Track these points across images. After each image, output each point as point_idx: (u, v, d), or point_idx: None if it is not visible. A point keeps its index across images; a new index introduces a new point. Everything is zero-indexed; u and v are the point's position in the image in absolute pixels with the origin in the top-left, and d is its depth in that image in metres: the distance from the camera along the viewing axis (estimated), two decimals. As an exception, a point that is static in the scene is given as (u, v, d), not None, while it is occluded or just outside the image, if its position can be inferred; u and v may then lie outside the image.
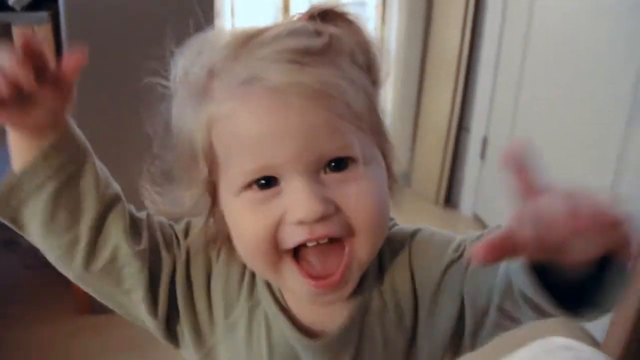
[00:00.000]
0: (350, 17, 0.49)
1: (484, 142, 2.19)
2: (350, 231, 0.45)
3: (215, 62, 0.46)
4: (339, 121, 0.43)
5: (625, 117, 1.28)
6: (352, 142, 0.44)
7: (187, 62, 0.48)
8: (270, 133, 0.43)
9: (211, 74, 0.46)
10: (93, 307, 1.50)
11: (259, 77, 0.42)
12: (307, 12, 0.48)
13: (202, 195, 0.50)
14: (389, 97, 2.56)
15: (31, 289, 1.69)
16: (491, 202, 2.17)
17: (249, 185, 0.45)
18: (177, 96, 0.49)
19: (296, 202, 0.43)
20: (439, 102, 2.36)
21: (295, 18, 0.48)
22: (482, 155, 2.20)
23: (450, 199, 2.41)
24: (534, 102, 1.85)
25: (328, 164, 0.44)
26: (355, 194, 0.44)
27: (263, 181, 0.44)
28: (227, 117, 0.44)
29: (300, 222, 0.43)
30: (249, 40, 0.44)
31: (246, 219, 0.46)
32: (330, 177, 0.44)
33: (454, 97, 2.26)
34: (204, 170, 0.48)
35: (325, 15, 0.47)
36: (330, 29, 0.46)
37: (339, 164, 0.44)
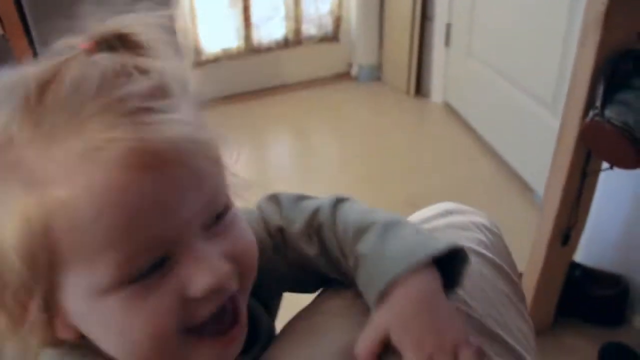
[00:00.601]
0: (146, 43, 0.37)
1: (448, 29, 2.26)
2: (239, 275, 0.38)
3: (10, 123, 0.32)
4: (218, 166, 0.37)
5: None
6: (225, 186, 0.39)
7: None
8: (155, 202, 0.32)
9: (9, 140, 0.32)
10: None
11: (115, 139, 0.31)
12: (93, 37, 0.35)
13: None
14: (353, -6, 2.57)
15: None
16: (458, 87, 2.29)
17: (126, 279, 0.33)
18: None
19: (202, 270, 0.34)
20: (401, -6, 2.40)
21: (71, 53, 0.35)
22: (447, 42, 2.29)
23: (420, 88, 2.51)
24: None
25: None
26: (239, 238, 0.39)
27: (147, 269, 0.33)
28: (78, 199, 0.31)
29: (214, 291, 0.34)
30: (44, 95, 0.32)
31: (133, 320, 0.34)
32: (219, 227, 0.37)
33: (415, -13, 2.30)
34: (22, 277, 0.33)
35: (117, 43, 0.36)
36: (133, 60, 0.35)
37: (222, 212, 0.38)
